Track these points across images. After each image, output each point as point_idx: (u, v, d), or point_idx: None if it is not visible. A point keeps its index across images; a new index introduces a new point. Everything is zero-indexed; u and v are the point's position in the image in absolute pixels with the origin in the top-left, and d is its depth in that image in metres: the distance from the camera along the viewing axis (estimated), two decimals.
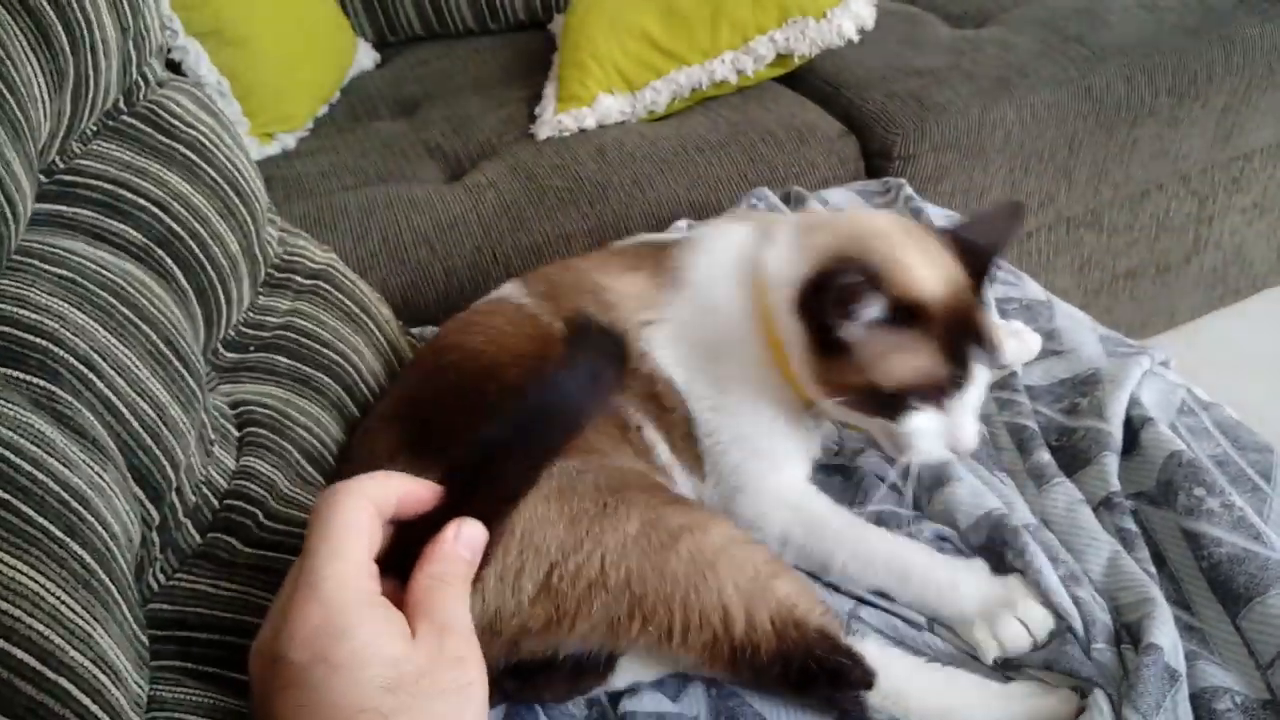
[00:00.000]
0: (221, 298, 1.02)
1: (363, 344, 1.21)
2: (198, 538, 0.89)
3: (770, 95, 1.99)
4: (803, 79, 2.03)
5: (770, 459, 1.04)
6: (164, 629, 0.81)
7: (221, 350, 1.07)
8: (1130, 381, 1.12)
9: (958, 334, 0.96)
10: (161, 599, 0.83)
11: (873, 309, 0.94)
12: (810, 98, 1.99)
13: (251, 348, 1.09)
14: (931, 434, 0.97)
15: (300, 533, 0.95)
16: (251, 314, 1.12)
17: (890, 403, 0.96)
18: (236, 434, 0.99)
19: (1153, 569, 0.97)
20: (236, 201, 1.07)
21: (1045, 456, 1.09)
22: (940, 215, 1.53)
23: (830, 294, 0.94)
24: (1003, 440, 1.13)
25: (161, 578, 0.83)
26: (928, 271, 0.98)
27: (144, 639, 0.70)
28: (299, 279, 1.19)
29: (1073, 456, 1.09)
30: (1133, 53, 1.95)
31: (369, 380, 1.18)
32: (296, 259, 1.21)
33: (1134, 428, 1.08)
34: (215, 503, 0.92)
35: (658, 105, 1.96)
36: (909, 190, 1.56)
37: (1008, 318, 1.32)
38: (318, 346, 1.13)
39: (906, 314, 0.95)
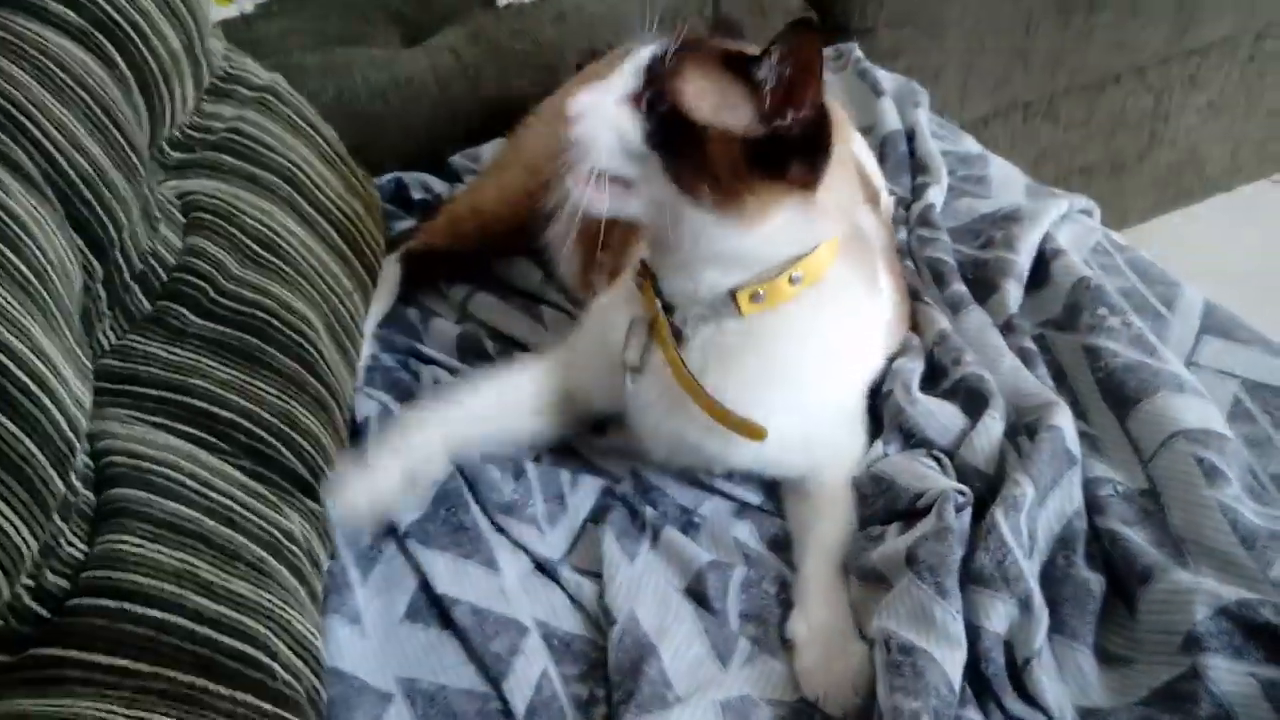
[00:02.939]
0: (164, 91, 1.04)
1: (312, 155, 1.23)
2: (147, 304, 0.93)
3: None
4: None
5: None
6: (116, 383, 0.86)
7: (167, 150, 1.09)
8: (1046, 219, 1.17)
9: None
10: (113, 356, 0.87)
11: None
12: None
13: (197, 148, 1.12)
14: None
15: (251, 312, 1.00)
16: (197, 118, 1.14)
17: None
18: (183, 218, 1.02)
19: (1051, 383, 1.03)
20: (177, 1, 1.09)
21: (960, 288, 1.14)
22: (888, 79, 1.55)
23: None
24: (924, 274, 1.18)
25: (112, 336, 0.87)
26: None
27: (87, 364, 0.74)
28: (244, 90, 1.21)
29: (983, 285, 1.14)
30: None
31: (323, 186, 1.21)
32: (242, 73, 1.23)
33: (1046, 260, 1.13)
34: (163, 274, 0.95)
35: None
36: (858, 54, 1.59)
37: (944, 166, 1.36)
38: (264, 150, 1.16)
39: None
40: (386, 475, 0.95)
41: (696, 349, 0.93)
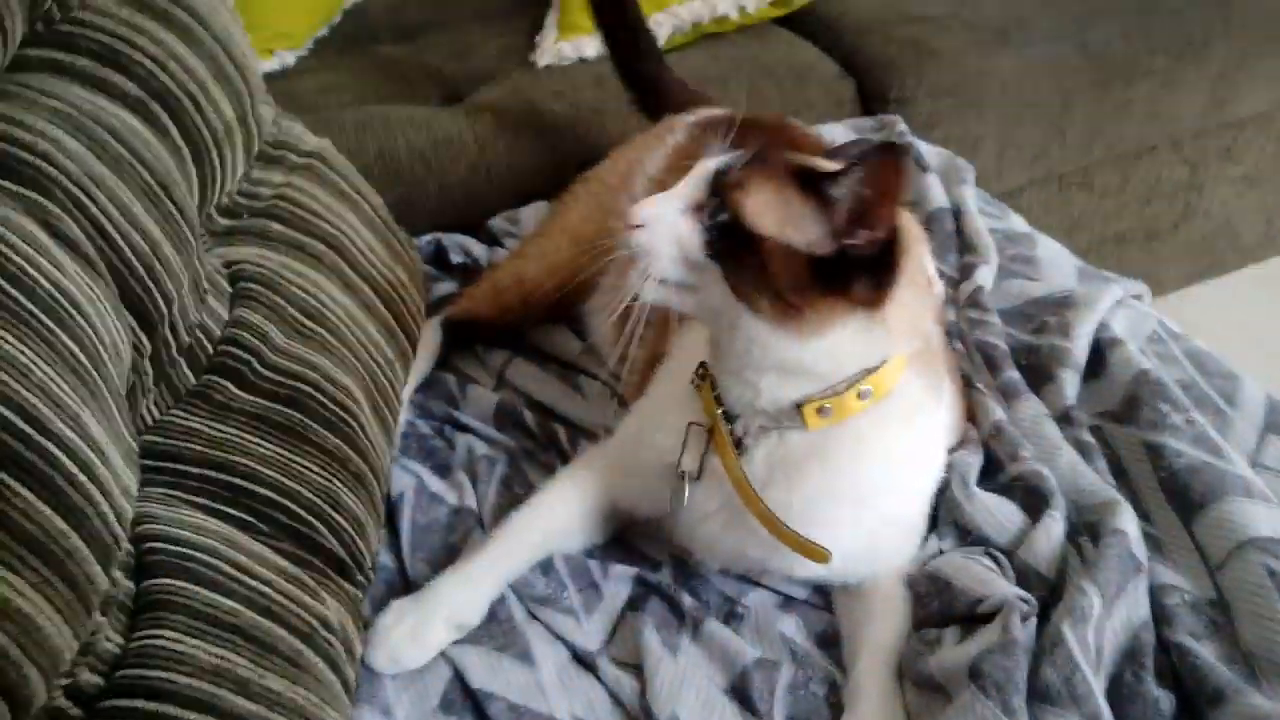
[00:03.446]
0: (215, 160, 1.04)
1: (359, 221, 1.22)
2: (192, 378, 0.92)
3: (770, 35, 2.00)
4: (802, 21, 2.03)
5: None
6: (158, 460, 0.84)
7: (215, 215, 1.08)
8: (1101, 306, 1.15)
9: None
10: (156, 432, 0.85)
11: None
12: (809, 39, 1.99)
13: (245, 215, 1.11)
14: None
15: (295, 385, 0.99)
16: (246, 184, 1.13)
17: None
18: (230, 288, 1.01)
19: (1111, 479, 1.00)
20: (232, 70, 1.09)
21: (1014, 374, 1.11)
22: (933, 153, 1.54)
23: None
24: (975, 358, 1.16)
25: (156, 411, 0.86)
26: None
27: (134, 445, 0.72)
28: (293, 156, 1.20)
29: (1037, 373, 1.11)
30: (1131, 10, 1.96)
31: (367, 254, 1.19)
32: (291, 138, 1.23)
33: (1102, 349, 1.11)
34: (210, 347, 0.94)
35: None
36: (902, 127, 1.58)
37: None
38: (311, 217, 1.15)
39: None
40: (431, 630, 0.92)
41: (759, 461, 0.90)
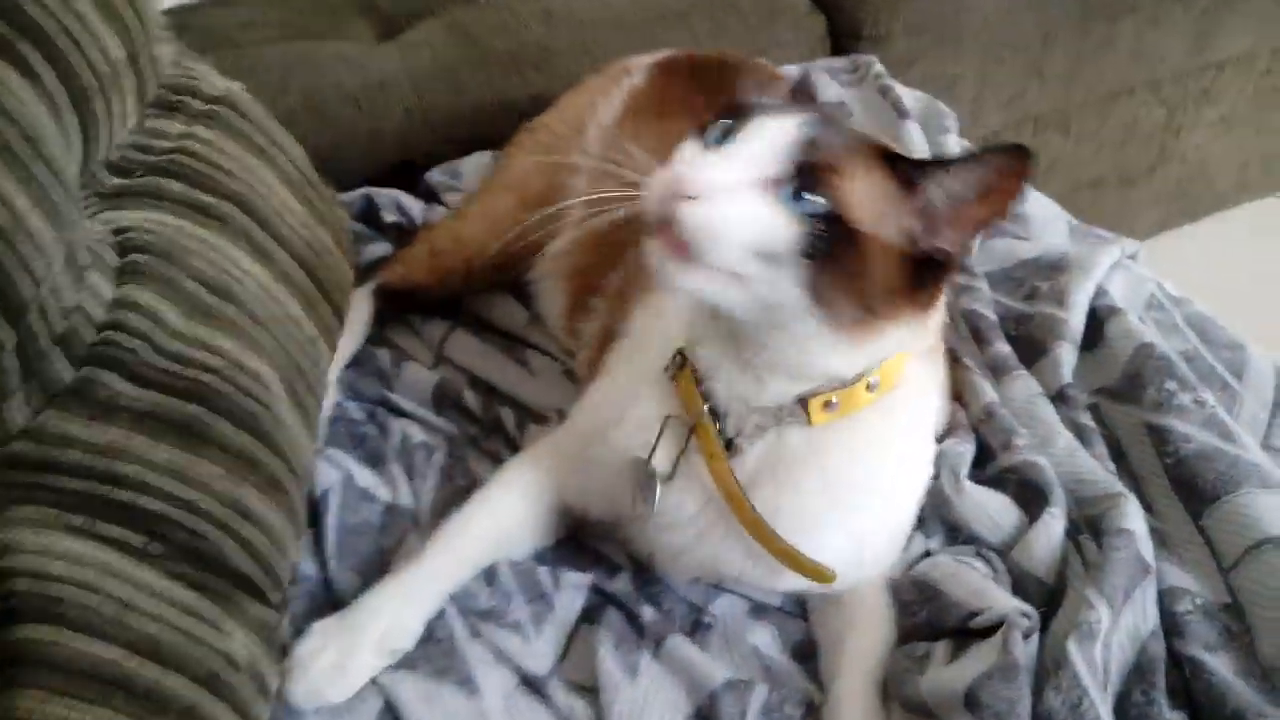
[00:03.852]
0: (100, 108, 0.89)
1: (273, 177, 1.08)
2: (69, 372, 0.78)
3: None
4: None
5: None
6: (29, 472, 0.71)
7: (101, 174, 0.94)
8: (1098, 270, 1.05)
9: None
10: (24, 439, 0.73)
11: None
12: None
13: (138, 171, 0.96)
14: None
15: (195, 374, 0.86)
16: (139, 136, 0.99)
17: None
18: (117, 260, 0.87)
19: (1112, 465, 0.91)
20: (121, 3, 0.93)
21: (1004, 348, 1.02)
22: (912, 97, 1.43)
23: None
24: (960, 329, 1.06)
25: (22, 415, 0.73)
26: None
27: None
28: (196, 102, 1.05)
29: (1029, 346, 1.01)
30: None
31: (284, 214, 1.05)
32: (194, 81, 1.08)
33: (1099, 318, 1.01)
34: (90, 333, 0.80)
35: None
36: (879, 68, 1.46)
37: None
38: (217, 173, 1.00)
39: None
40: (359, 658, 0.80)
41: (750, 463, 0.79)
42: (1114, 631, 0.76)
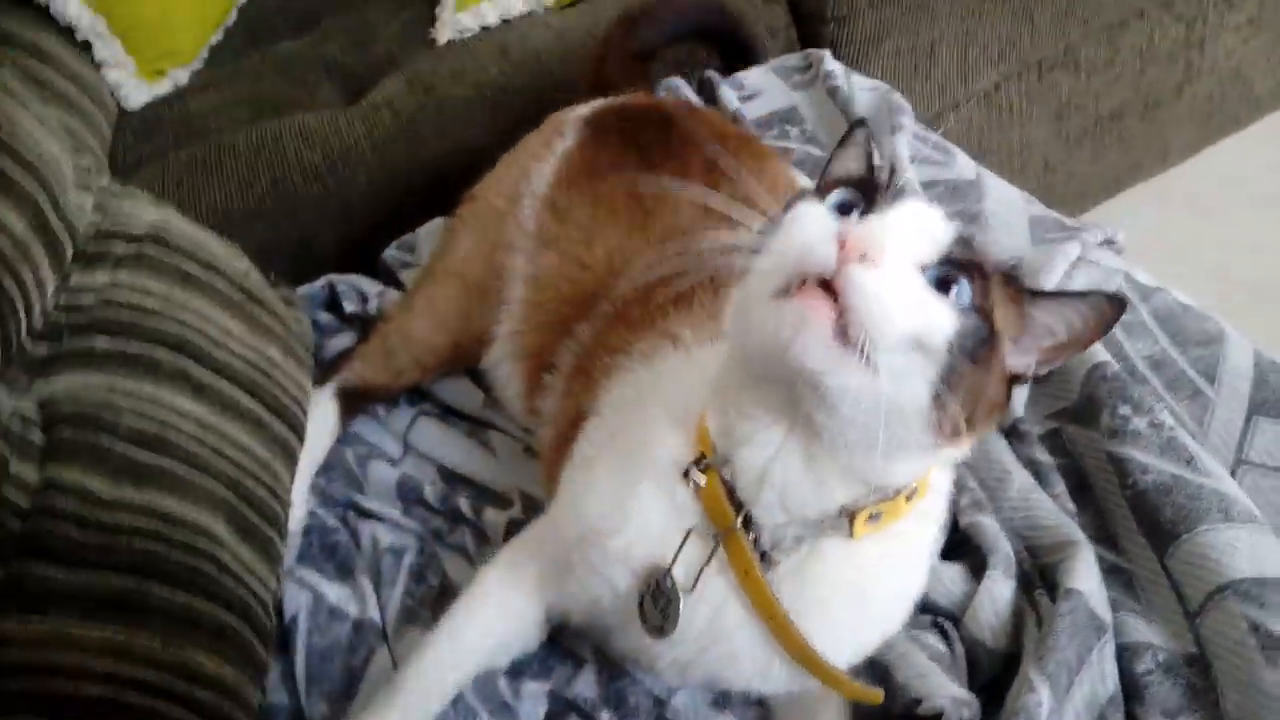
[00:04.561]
0: (9, 285, 0.91)
1: (208, 304, 1.09)
2: None
3: None
4: None
5: None
6: None
7: (28, 345, 0.96)
8: (1051, 278, 0.98)
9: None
10: None
11: None
12: None
13: (65, 335, 0.98)
14: (820, 218, 0.66)
15: (128, 543, 0.87)
16: (65, 296, 1.00)
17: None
18: (42, 439, 0.89)
19: (1072, 505, 0.86)
20: (18, 173, 0.95)
21: None
22: (864, 90, 1.36)
23: None
24: None
25: None
26: None
27: None
28: (120, 245, 1.07)
29: None
30: None
31: (222, 341, 1.06)
32: (118, 225, 1.09)
33: None
34: (14, 525, 0.83)
35: None
36: (830, 65, 1.39)
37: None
38: (145, 318, 1.02)
39: None
40: None
41: (782, 576, 0.74)
42: (1065, 707, 0.71)
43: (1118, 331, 0.95)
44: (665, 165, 1.07)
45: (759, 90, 1.41)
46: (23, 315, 0.95)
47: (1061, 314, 0.69)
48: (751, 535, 0.73)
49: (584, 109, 1.23)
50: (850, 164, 0.80)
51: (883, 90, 1.34)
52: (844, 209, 0.67)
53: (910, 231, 0.64)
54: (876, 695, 0.75)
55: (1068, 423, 0.91)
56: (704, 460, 0.75)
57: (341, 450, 1.17)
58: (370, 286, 1.34)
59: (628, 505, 0.79)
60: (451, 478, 1.12)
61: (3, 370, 0.92)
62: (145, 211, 1.14)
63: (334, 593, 1.02)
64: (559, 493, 0.91)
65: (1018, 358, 0.70)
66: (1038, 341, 0.70)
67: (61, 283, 1.01)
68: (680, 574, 0.76)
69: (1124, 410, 0.85)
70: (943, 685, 0.74)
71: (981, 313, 0.65)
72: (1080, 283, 0.99)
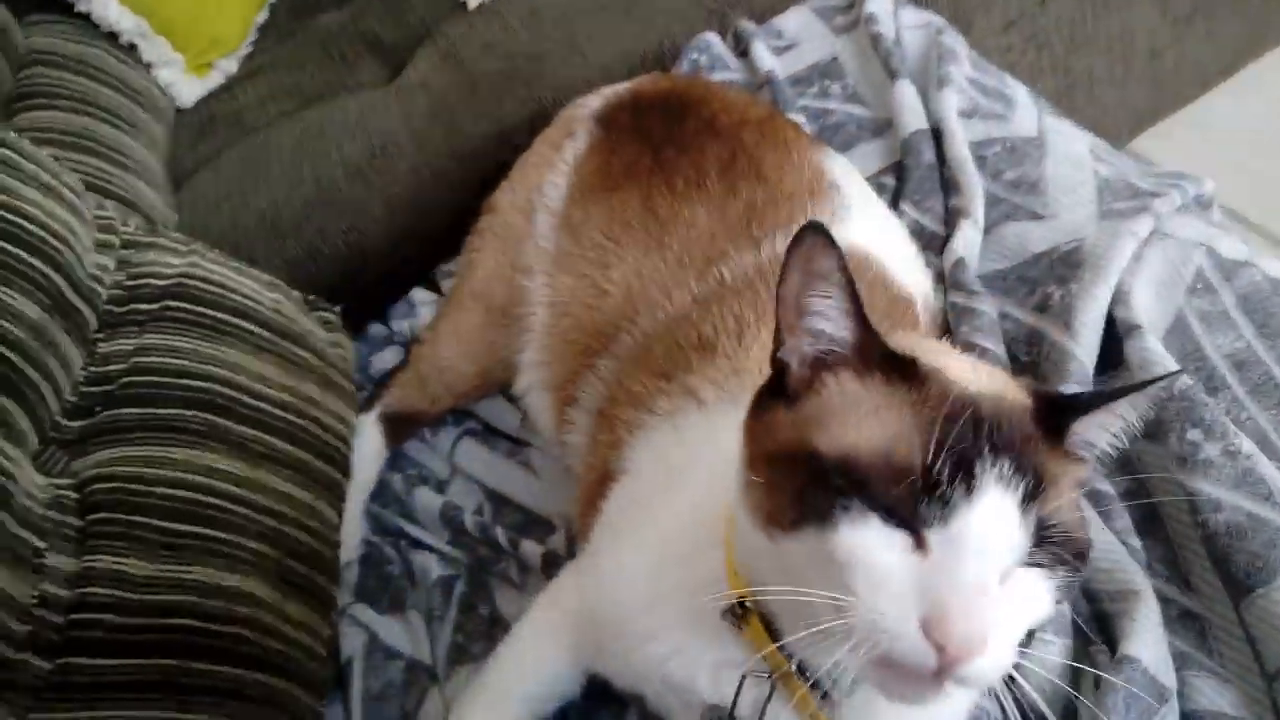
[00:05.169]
0: (33, 374, 0.93)
1: (237, 353, 1.08)
2: (46, 665, 0.84)
3: None
4: None
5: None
6: None
7: (63, 422, 0.98)
8: (1115, 265, 0.87)
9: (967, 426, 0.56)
10: None
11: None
12: None
13: (97, 408, 1.00)
14: (889, 573, 0.55)
15: (168, 622, 0.90)
16: (93, 368, 1.01)
17: (825, 488, 0.57)
18: (78, 527, 0.92)
19: (1136, 540, 0.77)
20: (25, 258, 0.95)
21: None
22: (912, 25, 1.22)
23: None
24: None
25: None
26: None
27: None
28: (143, 306, 1.07)
29: (1036, 376, 0.86)
30: None
31: (255, 389, 1.06)
32: (141, 281, 1.09)
33: (1118, 335, 0.84)
34: (58, 620, 0.85)
35: None
36: (870, 7, 1.25)
37: (986, 164, 1.05)
38: (174, 380, 1.02)
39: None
40: None
41: (850, 713, 0.68)
42: None
43: (1194, 325, 0.84)
44: (680, 163, 0.99)
45: (797, 40, 1.29)
46: (51, 400, 0.96)
47: (1113, 418, 0.60)
48: (808, 676, 0.65)
49: (595, 101, 1.16)
50: (831, 326, 0.60)
51: (933, 29, 1.20)
52: (893, 512, 0.55)
53: (991, 553, 0.54)
54: None
55: (1138, 440, 0.81)
56: (742, 603, 0.66)
57: (390, 477, 1.17)
58: (420, 295, 1.32)
59: (667, 622, 0.73)
60: (496, 499, 1.11)
61: (40, 454, 0.95)
62: (169, 261, 1.13)
63: (387, 632, 1.03)
64: (591, 556, 0.87)
65: (1085, 482, 0.61)
66: (1096, 454, 0.61)
67: (89, 355, 1.02)
68: (745, 709, 0.70)
69: (1194, 435, 0.75)
70: None
71: (1074, 550, 0.56)
72: (1153, 267, 0.88)
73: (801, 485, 0.56)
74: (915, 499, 0.54)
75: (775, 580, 0.58)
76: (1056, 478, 0.56)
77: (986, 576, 0.54)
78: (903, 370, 0.58)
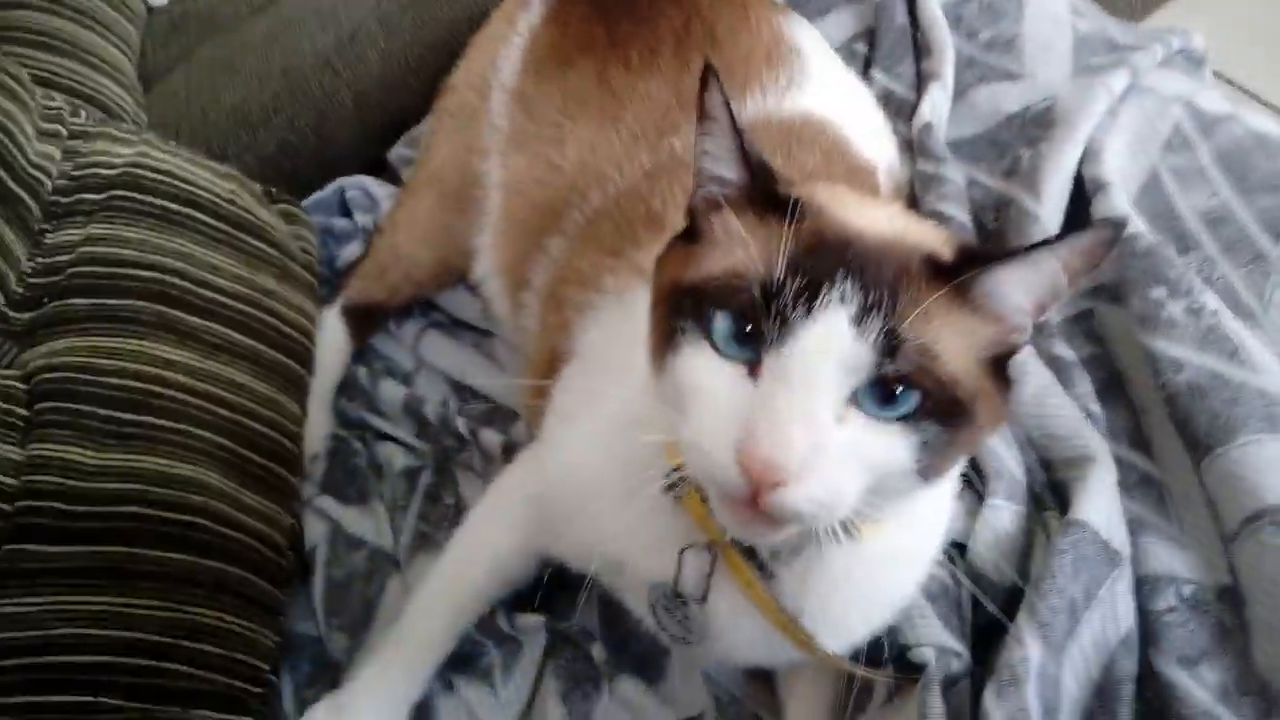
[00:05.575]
0: None
1: (189, 243, 1.05)
2: None
3: None
4: None
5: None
6: None
7: (11, 314, 0.96)
8: (1087, 121, 0.82)
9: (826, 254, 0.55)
10: None
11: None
12: None
13: (46, 300, 0.98)
14: (715, 396, 0.55)
15: (116, 510, 0.90)
16: (41, 259, 0.99)
17: (679, 315, 0.57)
18: (24, 416, 0.90)
19: (1096, 406, 0.74)
20: None
21: None
22: None
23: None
24: None
25: None
26: None
27: None
28: (90, 196, 1.04)
29: (1001, 243, 0.82)
30: None
31: (209, 279, 1.04)
32: (88, 170, 1.06)
33: (1086, 195, 0.80)
34: (5, 508, 0.85)
35: None
36: None
37: (961, 24, 0.99)
38: (122, 270, 1.00)
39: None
40: None
41: (788, 583, 0.67)
42: (1066, 652, 0.63)
43: (1168, 182, 0.79)
44: (634, 36, 0.94)
45: None
46: None
47: (1036, 275, 0.54)
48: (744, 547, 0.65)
49: None
50: (722, 168, 0.59)
51: None
52: (743, 335, 0.54)
53: (821, 379, 0.52)
54: (881, 675, 0.69)
55: (1104, 302, 0.77)
56: (680, 475, 0.63)
57: (356, 370, 1.15)
58: (380, 189, 1.28)
59: (609, 494, 0.72)
60: (461, 390, 1.09)
61: None
62: (117, 151, 1.10)
63: (352, 521, 1.02)
64: (542, 442, 0.85)
65: (1001, 342, 0.56)
66: (1018, 318, 0.56)
67: (36, 245, 1.00)
68: (692, 589, 0.69)
69: (1156, 293, 0.71)
70: (932, 632, 0.67)
71: (939, 397, 0.53)
72: (1128, 124, 0.83)
73: (665, 315, 0.57)
74: (756, 315, 0.54)
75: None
76: (932, 315, 0.53)
77: (811, 405, 0.52)
78: (782, 210, 0.55)
